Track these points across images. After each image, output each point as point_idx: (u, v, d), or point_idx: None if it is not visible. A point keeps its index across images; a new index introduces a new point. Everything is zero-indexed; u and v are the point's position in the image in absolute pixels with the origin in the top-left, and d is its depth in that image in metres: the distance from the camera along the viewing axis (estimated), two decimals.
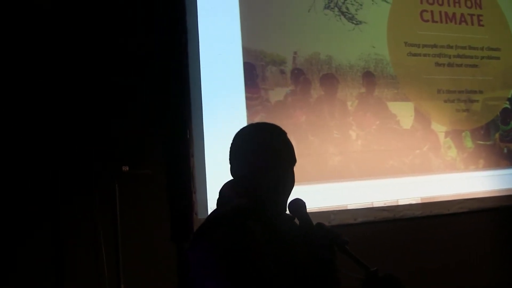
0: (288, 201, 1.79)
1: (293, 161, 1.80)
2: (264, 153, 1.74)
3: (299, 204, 1.79)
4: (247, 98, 4.13)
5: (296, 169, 1.80)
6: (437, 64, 5.00)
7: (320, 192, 4.20)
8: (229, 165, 1.85)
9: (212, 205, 1.80)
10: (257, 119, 4.02)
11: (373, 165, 4.53)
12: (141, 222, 3.80)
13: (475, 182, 4.96)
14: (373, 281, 1.54)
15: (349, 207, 4.35)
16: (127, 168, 3.45)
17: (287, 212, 1.79)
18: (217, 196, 1.87)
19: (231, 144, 1.86)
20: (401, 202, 4.60)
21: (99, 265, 3.55)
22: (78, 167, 3.65)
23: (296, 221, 1.82)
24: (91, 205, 3.62)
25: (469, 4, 5.29)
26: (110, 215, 3.46)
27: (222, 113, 3.96)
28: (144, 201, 3.83)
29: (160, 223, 3.90)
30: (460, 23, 5.20)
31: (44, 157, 3.60)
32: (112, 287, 3.46)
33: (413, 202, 4.65)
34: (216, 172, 3.73)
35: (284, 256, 1.63)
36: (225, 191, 1.81)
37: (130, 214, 3.65)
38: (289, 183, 1.77)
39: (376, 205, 4.49)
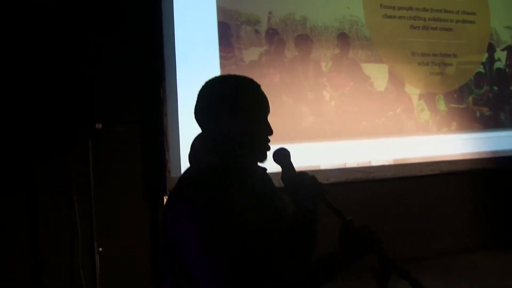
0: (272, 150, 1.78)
1: (268, 111, 1.78)
2: (242, 105, 1.70)
3: (284, 153, 1.79)
4: (221, 58, 4.13)
5: None
6: (412, 27, 5.02)
7: (293, 152, 4.16)
8: (195, 117, 1.78)
9: (185, 164, 1.76)
10: None
11: (346, 126, 4.58)
12: (114, 180, 3.83)
13: (447, 145, 5.04)
14: (349, 230, 1.58)
15: (322, 168, 4.40)
16: (101, 126, 3.44)
17: (270, 161, 1.78)
18: None
19: (201, 95, 1.72)
20: (373, 163, 4.66)
21: (72, 222, 3.58)
22: (52, 124, 3.66)
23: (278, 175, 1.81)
24: (64, 162, 3.65)
25: None
26: (83, 172, 3.47)
27: (196, 72, 3.94)
28: (117, 158, 3.86)
29: (134, 180, 3.94)
30: None
31: (18, 114, 3.60)
32: (85, 244, 3.50)
33: (386, 163, 4.71)
34: (189, 131, 3.72)
35: (262, 211, 1.65)
36: (197, 146, 1.75)
37: (104, 172, 3.68)
38: (266, 133, 1.75)
39: (348, 166, 4.55)
